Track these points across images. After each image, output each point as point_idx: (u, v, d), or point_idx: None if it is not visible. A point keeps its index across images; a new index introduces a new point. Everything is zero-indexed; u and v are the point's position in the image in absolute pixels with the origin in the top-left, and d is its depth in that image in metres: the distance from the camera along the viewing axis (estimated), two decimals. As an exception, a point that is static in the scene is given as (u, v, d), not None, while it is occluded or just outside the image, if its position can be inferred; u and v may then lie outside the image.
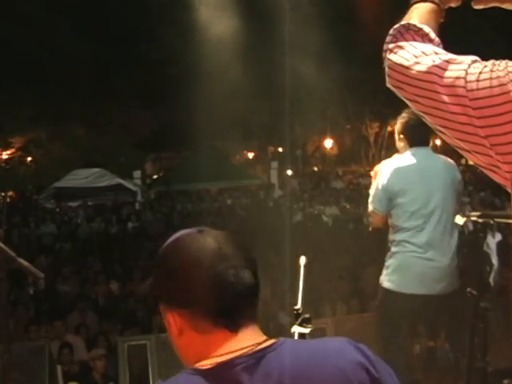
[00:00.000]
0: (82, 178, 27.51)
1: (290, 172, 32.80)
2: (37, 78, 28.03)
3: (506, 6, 2.07)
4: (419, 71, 1.84)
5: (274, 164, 31.65)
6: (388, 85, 1.95)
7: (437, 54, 1.87)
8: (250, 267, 1.80)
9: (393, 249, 5.80)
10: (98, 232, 20.62)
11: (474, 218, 5.10)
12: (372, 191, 5.89)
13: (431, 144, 5.85)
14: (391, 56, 1.93)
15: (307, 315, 3.01)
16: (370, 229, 6.29)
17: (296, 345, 1.86)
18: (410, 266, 5.68)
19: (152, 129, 33.69)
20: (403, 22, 1.99)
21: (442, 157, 5.98)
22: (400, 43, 1.94)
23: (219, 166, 27.70)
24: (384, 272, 5.84)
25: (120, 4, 24.91)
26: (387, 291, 5.76)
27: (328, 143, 41.30)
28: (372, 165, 38.66)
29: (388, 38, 1.98)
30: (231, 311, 1.76)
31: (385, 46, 1.98)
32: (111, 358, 8.89)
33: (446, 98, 1.77)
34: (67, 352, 9.25)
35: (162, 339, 7.38)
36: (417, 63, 1.86)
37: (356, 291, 11.63)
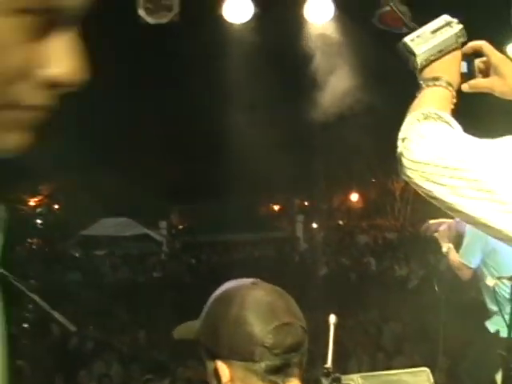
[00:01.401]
0: (109, 226, 27.62)
1: (315, 225, 32.76)
2: (63, 126, 28.29)
3: (497, 93, 2.06)
4: (463, 159, 1.71)
5: (300, 217, 31.62)
6: (404, 176, 1.85)
7: (474, 140, 1.78)
8: (301, 325, 1.81)
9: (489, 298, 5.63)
10: (123, 281, 20.66)
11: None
12: (450, 245, 5.77)
13: None
14: (414, 147, 1.80)
15: (337, 374, 3.01)
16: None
17: None
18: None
19: (178, 180, 33.84)
20: (422, 110, 1.87)
21: None
22: (423, 132, 1.82)
23: (245, 218, 27.74)
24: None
25: (148, 54, 25.21)
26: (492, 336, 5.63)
27: (354, 197, 41.25)
28: (397, 219, 38.66)
29: (405, 127, 1.86)
30: (282, 369, 1.77)
31: (401, 134, 1.86)
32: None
33: (498, 187, 1.67)
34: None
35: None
36: (456, 152, 1.74)
37: (381, 346, 11.56)
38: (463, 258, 5.74)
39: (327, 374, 2.99)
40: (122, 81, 27.15)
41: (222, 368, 1.79)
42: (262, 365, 1.75)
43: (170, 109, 28.49)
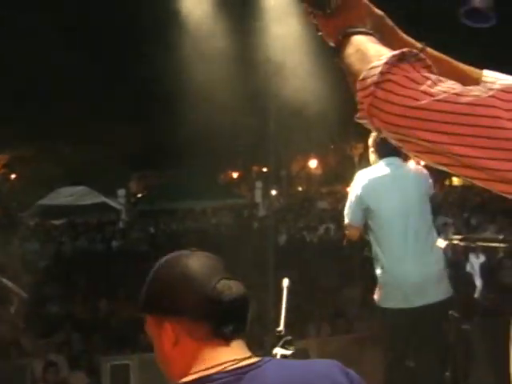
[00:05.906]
0: (67, 195, 27.34)
1: (274, 192, 32.77)
2: (24, 94, 27.92)
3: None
4: (468, 102, 1.45)
5: (259, 184, 31.58)
6: (387, 126, 1.58)
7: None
8: (238, 281, 1.86)
9: (374, 264, 5.75)
10: (82, 250, 20.56)
11: (456, 242, 5.04)
12: (347, 203, 5.87)
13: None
14: (406, 91, 1.51)
15: (289, 337, 3.03)
16: (345, 242, 6.50)
17: (282, 364, 1.88)
18: (391, 281, 5.60)
19: (137, 147, 33.63)
20: (395, 52, 1.57)
21: (413, 166, 6.03)
22: (410, 74, 1.53)
23: (204, 185, 27.60)
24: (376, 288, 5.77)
25: (106, 22, 24.91)
26: (377, 308, 5.73)
27: (313, 163, 41.30)
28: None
29: (375, 70, 1.57)
30: (228, 319, 1.82)
31: (373, 78, 1.56)
32: (94, 378, 8.86)
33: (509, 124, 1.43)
34: (53, 370, 9.19)
35: (146, 359, 7.32)
36: (457, 94, 1.47)
37: (340, 312, 11.64)
38: (346, 218, 5.83)
39: (279, 337, 3.02)
40: (72, 45, 26.84)
41: (170, 327, 1.84)
42: (209, 318, 1.80)
43: (129, 74, 28.16)
